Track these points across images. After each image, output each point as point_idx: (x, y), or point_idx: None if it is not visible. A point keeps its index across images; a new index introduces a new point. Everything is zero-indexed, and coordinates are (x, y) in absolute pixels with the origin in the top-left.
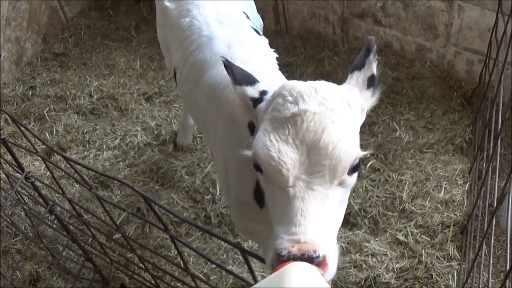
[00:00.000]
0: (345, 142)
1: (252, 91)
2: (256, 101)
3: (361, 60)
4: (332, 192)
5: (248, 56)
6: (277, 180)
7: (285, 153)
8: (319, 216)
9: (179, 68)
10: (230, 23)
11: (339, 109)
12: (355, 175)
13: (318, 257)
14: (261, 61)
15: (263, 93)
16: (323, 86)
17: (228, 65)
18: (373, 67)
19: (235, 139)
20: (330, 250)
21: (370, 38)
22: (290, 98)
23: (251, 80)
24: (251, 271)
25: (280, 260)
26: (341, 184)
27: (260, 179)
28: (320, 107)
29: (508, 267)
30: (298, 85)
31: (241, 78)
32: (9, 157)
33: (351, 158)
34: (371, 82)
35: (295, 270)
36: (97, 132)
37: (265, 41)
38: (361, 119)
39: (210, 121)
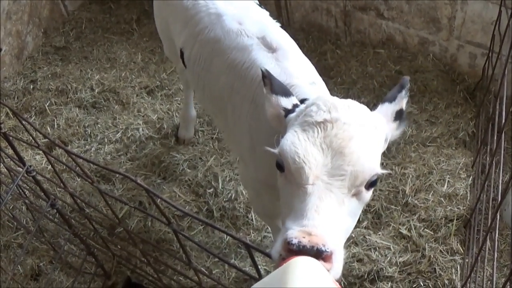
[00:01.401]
0: (369, 156)
1: (286, 102)
2: (288, 112)
3: (393, 94)
4: (348, 200)
5: (261, 31)
6: (298, 177)
7: (310, 153)
8: (332, 217)
9: (187, 47)
10: None
11: (366, 127)
12: (370, 192)
13: (327, 251)
14: (276, 35)
15: (296, 105)
16: (356, 105)
17: (268, 75)
18: (403, 103)
19: (264, 119)
20: (338, 249)
21: (405, 77)
22: (324, 107)
23: (286, 92)
24: (255, 264)
25: (289, 249)
26: (357, 195)
27: (279, 179)
28: (350, 119)
29: None
30: (332, 99)
31: (278, 88)
32: (10, 151)
33: (372, 171)
34: (398, 116)
35: (301, 264)
36: (99, 125)
37: (266, 13)
38: (384, 147)
39: (232, 102)
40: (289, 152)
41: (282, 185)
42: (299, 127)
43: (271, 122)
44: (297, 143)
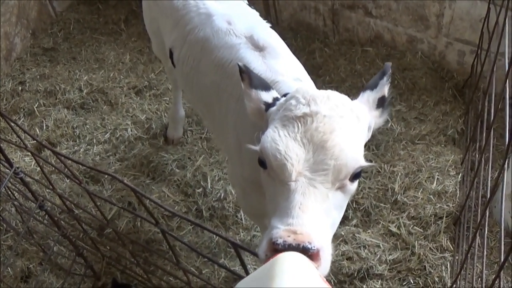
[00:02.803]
0: (352, 148)
1: (266, 96)
2: (269, 106)
3: (375, 81)
4: (332, 193)
5: (250, 30)
6: (281, 174)
7: (292, 149)
8: (317, 213)
9: (176, 47)
10: None
11: (348, 118)
12: (356, 183)
13: (313, 248)
14: (264, 34)
15: (276, 99)
16: (335, 95)
17: (245, 70)
18: (385, 89)
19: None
20: (325, 245)
21: (387, 63)
22: (303, 100)
23: (266, 86)
24: (242, 264)
25: (275, 249)
26: (342, 188)
27: (262, 176)
28: (331, 111)
29: (502, 259)
30: (311, 90)
31: (258, 83)
32: None
33: (356, 164)
34: (381, 103)
35: (288, 260)
36: (87, 126)
37: (256, 14)
38: (367, 136)
39: (219, 100)
40: (270, 149)
41: (265, 182)
42: (279, 123)
43: (252, 117)
44: (278, 140)
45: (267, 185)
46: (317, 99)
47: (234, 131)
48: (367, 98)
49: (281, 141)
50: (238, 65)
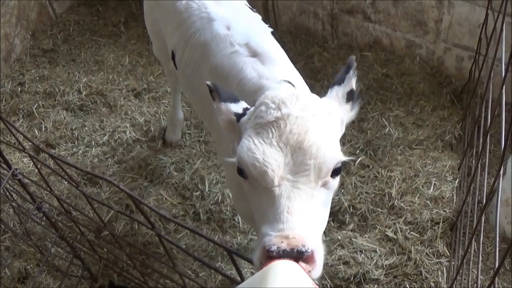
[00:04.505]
0: (329, 144)
1: (236, 107)
2: (240, 116)
3: (341, 76)
4: (317, 192)
5: (247, 37)
6: (263, 181)
7: (269, 155)
8: (305, 214)
9: (178, 50)
10: (226, 2)
11: (319, 115)
12: (337, 178)
13: (308, 251)
14: (260, 41)
15: (246, 109)
16: (304, 94)
17: (214, 89)
18: (352, 83)
19: None
20: (318, 246)
21: (351, 57)
22: (272, 105)
23: (234, 99)
24: (238, 270)
25: (270, 256)
26: (325, 185)
27: (244, 185)
28: (302, 112)
29: (497, 264)
30: (279, 93)
31: (226, 96)
32: None
33: (335, 160)
34: (350, 97)
35: (280, 268)
36: (86, 128)
37: (258, 17)
38: (341, 131)
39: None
40: (248, 159)
41: (248, 191)
42: (252, 131)
43: (226, 131)
44: (254, 148)
45: (250, 194)
46: (286, 101)
47: (228, 136)
48: (336, 93)
49: (257, 149)
50: (207, 84)
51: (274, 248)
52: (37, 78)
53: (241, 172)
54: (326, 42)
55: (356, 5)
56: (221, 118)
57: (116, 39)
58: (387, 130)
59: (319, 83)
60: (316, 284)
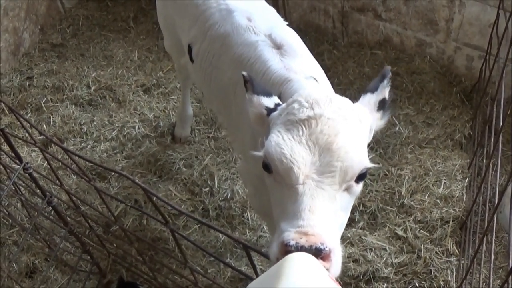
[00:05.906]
0: (357, 149)
1: (268, 102)
2: (271, 111)
3: (375, 84)
4: (339, 195)
5: (269, 29)
6: (287, 178)
7: (297, 152)
8: (327, 214)
9: (196, 43)
10: None
11: (351, 120)
12: (361, 184)
13: (326, 249)
14: (283, 33)
15: (278, 104)
16: (337, 98)
17: (249, 79)
18: (385, 92)
19: None
20: (336, 246)
21: (387, 67)
22: (306, 104)
23: (267, 93)
24: (252, 264)
25: (287, 251)
26: (348, 190)
27: (267, 180)
28: (334, 114)
29: (510, 264)
30: (313, 93)
31: (260, 89)
32: (6, 147)
33: (361, 165)
34: (382, 105)
35: (297, 260)
36: (95, 123)
37: (274, 11)
38: (369, 138)
39: (236, 97)
40: (275, 154)
41: (271, 186)
42: (282, 127)
43: (255, 125)
44: (282, 144)
45: (272, 189)
46: (320, 102)
47: (250, 128)
48: (368, 101)
49: (286, 145)
50: (243, 74)
51: (293, 243)
52: (46, 72)
53: (266, 166)
54: (336, 40)
55: (367, 3)
56: (251, 110)
57: (126, 34)
58: (397, 128)
59: (329, 80)
60: (337, 280)
